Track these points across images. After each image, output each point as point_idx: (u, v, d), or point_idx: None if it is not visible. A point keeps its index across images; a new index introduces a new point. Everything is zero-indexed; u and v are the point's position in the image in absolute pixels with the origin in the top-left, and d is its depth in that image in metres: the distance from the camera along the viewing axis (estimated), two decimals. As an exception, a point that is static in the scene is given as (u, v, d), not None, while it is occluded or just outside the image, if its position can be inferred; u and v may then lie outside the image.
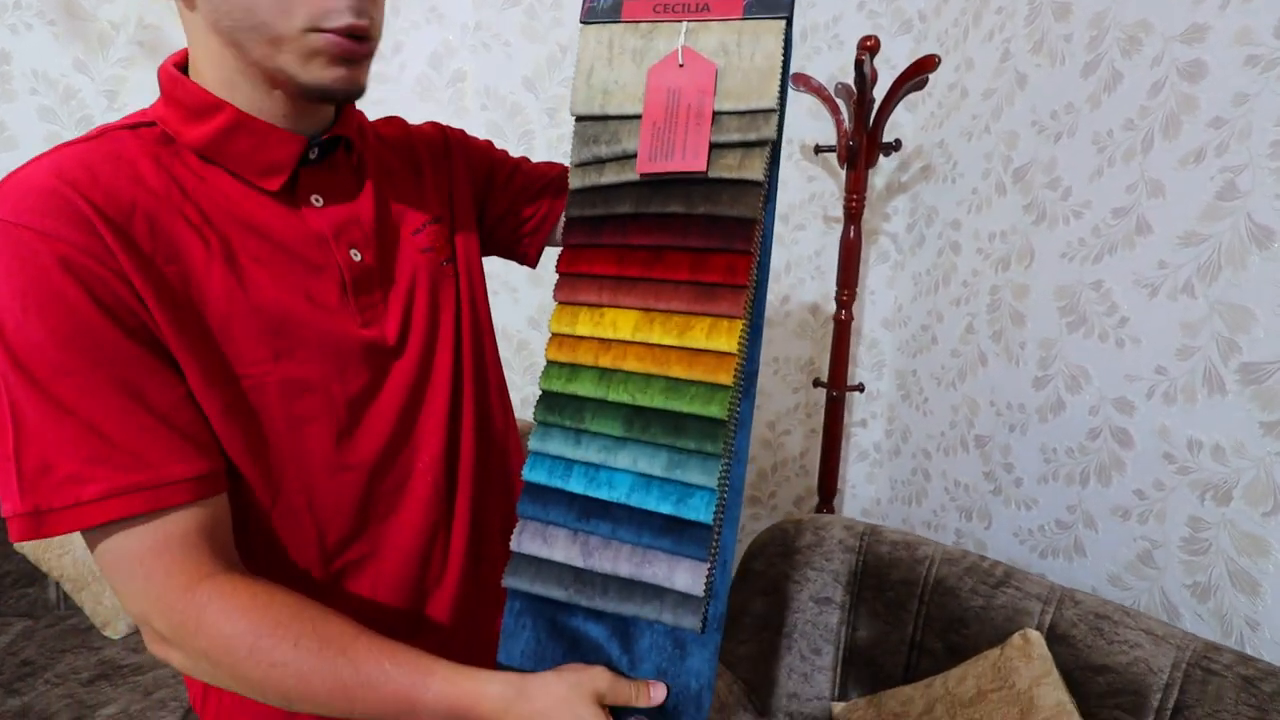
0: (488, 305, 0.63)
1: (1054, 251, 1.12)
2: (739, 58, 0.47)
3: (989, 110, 1.26)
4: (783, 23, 0.46)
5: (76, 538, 1.21)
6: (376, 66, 0.50)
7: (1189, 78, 0.88)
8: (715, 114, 0.47)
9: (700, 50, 0.48)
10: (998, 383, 1.26)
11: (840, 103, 1.25)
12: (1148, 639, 0.72)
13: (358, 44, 0.43)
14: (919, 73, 1.10)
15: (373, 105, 0.56)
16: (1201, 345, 0.88)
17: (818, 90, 1.22)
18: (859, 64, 1.08)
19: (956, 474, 1.40)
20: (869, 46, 1.11)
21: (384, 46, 0.53)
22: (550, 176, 0.67)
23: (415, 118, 0.64)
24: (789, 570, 0.97)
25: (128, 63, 1.32)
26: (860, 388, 1.50)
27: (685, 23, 0.48)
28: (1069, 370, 1.09)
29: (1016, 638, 0.74)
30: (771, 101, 0.46)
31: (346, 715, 0.42)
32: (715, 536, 0.45)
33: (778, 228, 1.55)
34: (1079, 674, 0.74)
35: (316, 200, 0.49)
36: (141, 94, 1.33)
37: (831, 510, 1.48)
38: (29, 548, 1.23)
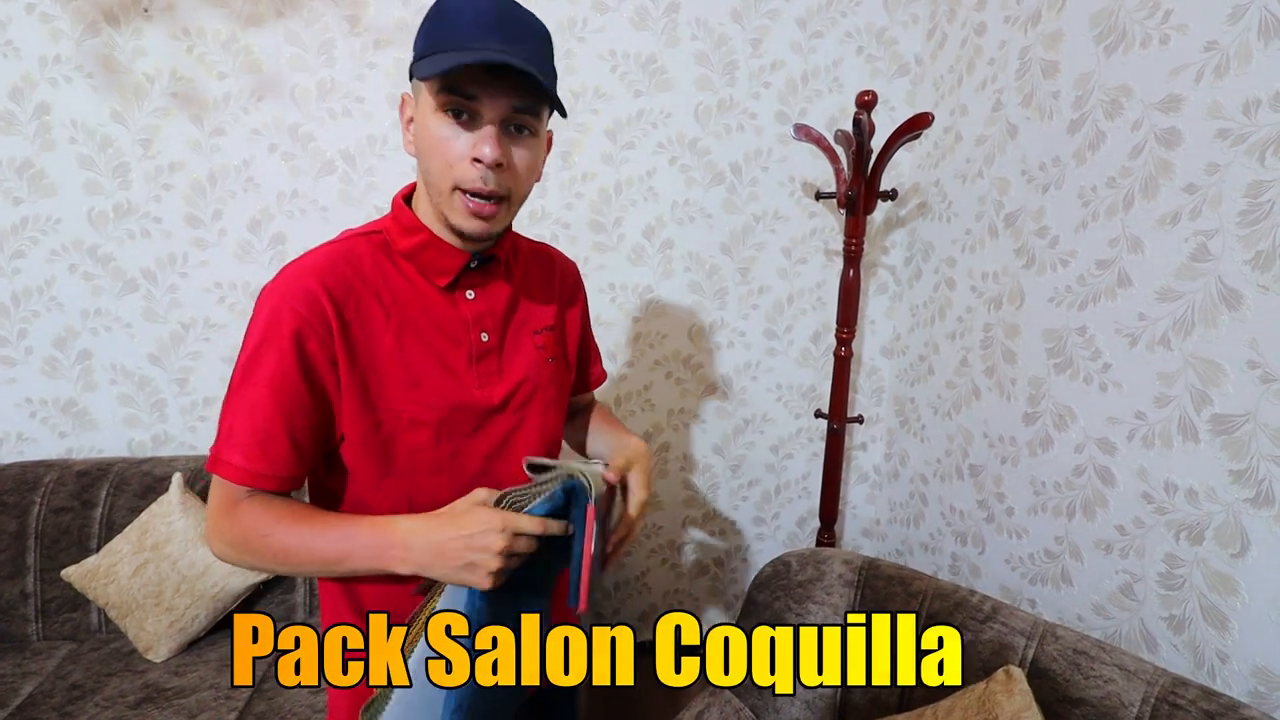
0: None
1: (1043, 295, 1.18)
2: None
3: (982, 156, 1.32)
4: None
5: (121, 571, 1.28)
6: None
7: (1166, 144, 0.94)
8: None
9: None
10: (990, 416, 1.33)
11: (839, 150, 1.31)
12: (1120, 674, 0.79)
13: (484, 203, 0.63)
14: (914, 129, 1.16)
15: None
16: (1177, 395, 0.94)
17: (817, 140, 1.28)
18: (857, 121, 1.14)
19: (952, 500, 1.46)
20: (866, 102, 1.17)
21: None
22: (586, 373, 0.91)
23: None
24: (791, 603, 1.03)
25: (162, 113, 1.38)
26: (860, 419, 1.56)
27: None
28: (1056, 409, 1.16)
29: (1000, 674, 0.81)
30: None
31: (314, 571, 0.62)
32: None
33: (781, 261, 1.61)
34: (1058, 707, 0.80)
35: (469, 294, 0.70)
36: (174, 143, 1.40)
37: (832, 534, 1.54)
38: (75, 577, 1.30)
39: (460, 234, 0.65)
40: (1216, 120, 0.87)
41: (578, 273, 0.87)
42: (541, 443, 0.75)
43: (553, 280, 0.81)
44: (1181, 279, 0.93)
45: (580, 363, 0.88)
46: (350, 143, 1.43)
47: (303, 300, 0.61)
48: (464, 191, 0.62)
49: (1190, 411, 0.92)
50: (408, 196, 0.70)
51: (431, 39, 0.60)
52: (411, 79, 0.65)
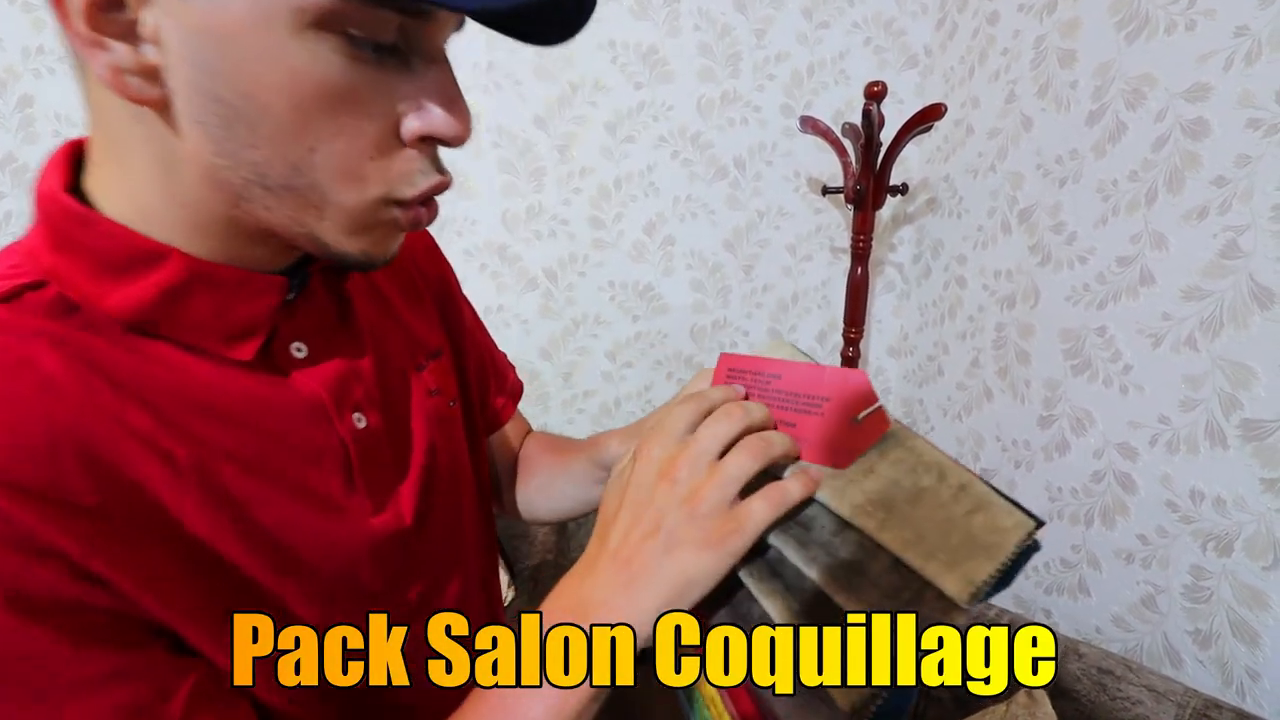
0: (486, 442, 0.57)
1: (1059, 294, 1.14)
2: None
3: (994, 149, 1.28)
4: None
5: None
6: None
7: (1192, 135, 0.90)
8: None
9: None
10: (1003, 419, 1.28)
11: (847, 143, 1.27)
12: (1149, 695, 0.75)
13: (429, 209, 0.34)
14: (925, 120, 1.12)
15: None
16: (1204, 398, 0.89)
17: (824, 133, 1.24)
18: (866, 112, 1.10)
19: (962, 505, 1.42)
20: (875, 93, 1.12)
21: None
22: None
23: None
24: (799, 615, 0.99)
25: (147, 106, 1.34)
26: (867, 419, 1.51)
27: None
28: (1073, 412, 1.11)
29: (1022, 695, 0.76)
30: None
31: None
32: None
33: (785, 258, 1.57)
34: (1083, 729, 0.76)
35: (298, 351, 0.36)
36: (161, 136, 1.36)
37: (839, 539, 1.50)
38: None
39: (346, 264, 0.33)
40: (1247, 110, 0.83)
41: (434, 244, 0.53)
42: (485, 533, 0.51)
43: (412, 271, 0.48)
44: (1209, 277, 0.88)
45: (481, 384, 0.55)
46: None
47: None
48: (400, 203, 0.32)
49: (1218, 416, 0.88)
50: (74, 185, 0.32)
51: None
52: None
